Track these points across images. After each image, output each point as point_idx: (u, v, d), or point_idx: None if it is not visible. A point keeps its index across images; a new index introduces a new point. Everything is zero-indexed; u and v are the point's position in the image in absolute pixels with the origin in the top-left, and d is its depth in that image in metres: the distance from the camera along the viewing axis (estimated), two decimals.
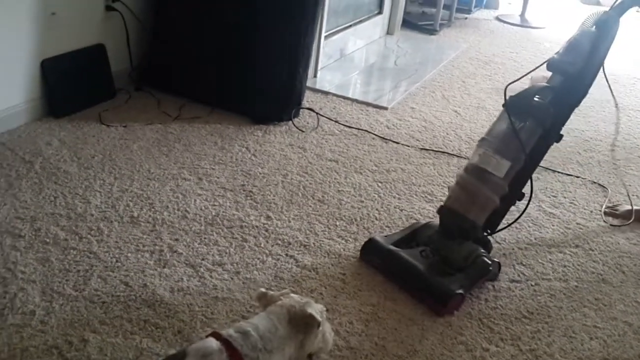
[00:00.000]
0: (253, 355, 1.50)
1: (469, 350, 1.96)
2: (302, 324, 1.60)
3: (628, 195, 2.99)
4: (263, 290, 1.72)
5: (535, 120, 2.19)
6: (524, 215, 2.58)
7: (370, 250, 2.33)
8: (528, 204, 2.40)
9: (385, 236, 2.41)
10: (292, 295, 1.69)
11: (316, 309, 1.64)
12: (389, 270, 2.26)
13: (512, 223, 2.47)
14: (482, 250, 2.23)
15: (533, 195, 2.48)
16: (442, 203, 2.32)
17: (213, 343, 1.50)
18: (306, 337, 1.62)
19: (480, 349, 1.97)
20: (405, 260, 2.23)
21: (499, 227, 2.44)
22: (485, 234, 2.35)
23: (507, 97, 2.22)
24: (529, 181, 2.31)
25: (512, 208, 2.42)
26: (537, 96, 2.22)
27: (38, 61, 3.10)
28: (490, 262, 2.21)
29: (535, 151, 2.26)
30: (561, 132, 2.29)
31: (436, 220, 2.37)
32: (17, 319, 1.90)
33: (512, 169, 2.20)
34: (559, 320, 2.13)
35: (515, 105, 2.20)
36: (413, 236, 2.40)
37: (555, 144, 2.33)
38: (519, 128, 2.17)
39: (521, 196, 2.32)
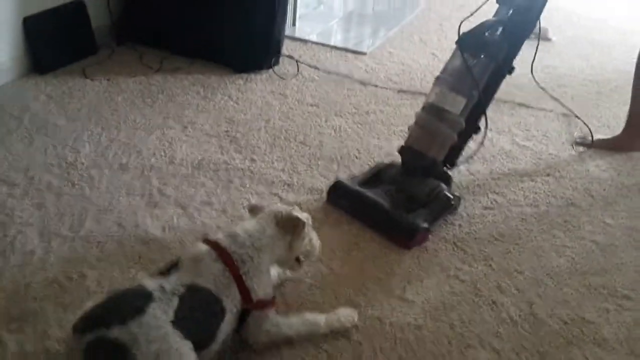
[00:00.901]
0: (242, 252, 1.63)
1: (443, 270, 2.10)
2: (289, 225, 1.73)
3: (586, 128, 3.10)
4: (253, 202, 1.84)
5: (488, 56, 2.26)
6: (497, 148, 2.72)
7: (337, 193, 2.40)
8: (484, 136, 2.49)
9: (351, 178, 2.50)
10: (279, 204, 1.81)
11: (302, 215, 1.77)
12: (355, 211, 2.34)
13: (470, 157, 2.56)
14: (444, 185, 2.34)
15: (491, 128, 2.59)
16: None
17: (203, 247, 1.63)
18: (294, 239, 1.75)
19: (454, 269, 2.10)
20: (371, 199, 2.31)
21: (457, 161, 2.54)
22: (445, 169, 2.46)
23: (460, 34, 2.28)
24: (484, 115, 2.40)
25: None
26: (488, 31, 2.28)
27: (20, 19, 3.15)
28: (451, 196, 2.32)
29: (489, 85, 2.34)
30: (513, 65, 2.34)
31: (398, 160, 2.45)
32: (18, 258, 2.01)
33: (467, 105, 2.28)
34: (529, 242, 2.26)
35: (468, 42, 2.26)
36: (377, 176, 2.49)
37: (509, 75, 2.39)
38: (472, 64, 2.25)
39: (477, 129, 2.42)
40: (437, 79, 2.34)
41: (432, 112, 2.30)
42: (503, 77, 2.36)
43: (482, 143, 2.56)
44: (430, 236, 2.24)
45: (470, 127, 2.38)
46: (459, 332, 1.84)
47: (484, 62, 2.27)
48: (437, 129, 2.29)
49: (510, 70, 2.34)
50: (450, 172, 2.45)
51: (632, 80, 2.75)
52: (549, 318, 1.90)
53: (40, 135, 2.71)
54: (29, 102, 2.98)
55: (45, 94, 3.07)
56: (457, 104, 2.27)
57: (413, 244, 2.19)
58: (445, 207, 2.31)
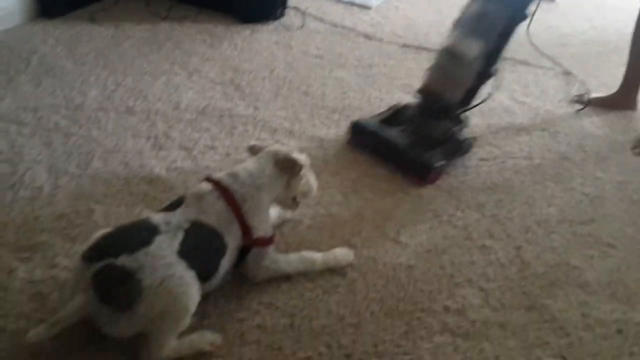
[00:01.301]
0: (243, 191, 1.71)
1: (437, 216, 2.18)
2: (287, 166, 1.80)
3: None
4: (253, 142, 1.91)
5: (504, 2, 2.32)
6: (496, 103, 2.77)
7: (356, 132, 2.52)
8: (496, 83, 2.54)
9: (369, 118, 2.60)
10: (279, 145, 1.88)
11: (300, 156, 1.85)
12: (373, 149, 2.46)
13: (482, 102, 2.62)
14: (458, 127, 2.43)
15: (504, 82, 2.64)
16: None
17: (206, 186, 1.71)
18: (291, 179, 1.82)
19: (447, 215, 2.18)
20: (388, 138, 2.43)
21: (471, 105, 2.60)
22: (460, 111, 2.53)
23: None
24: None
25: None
26: None
27: None
28: (466, 137, 2.43)
29: (505, 31, 2.39)
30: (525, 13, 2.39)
31: (415, 101, 2.54)
32: (27, 192, 2.10)
33: (483, 49, 2.34)
34: (521, 191, 2.34)
35: None
36: (395, 117, 2.59)
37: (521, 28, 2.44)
38: (489, 10, 2.31)
39: (492, 74, 2.48)
40: (455, 23, 2.40)
41: (450, 56, 2.38)
42: (517, 24, 2.40)
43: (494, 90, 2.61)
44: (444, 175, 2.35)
45: (486, 71, 2.44)
46: (449, 272, 1.93)
47: (500, 8, 2.32)
48: (454, 72, 2.38)
49: (524, 17, 2.37)
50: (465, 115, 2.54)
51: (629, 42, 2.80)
52: (535, 262, 1.99)
53: (48, 78, 2.77)
54: (37, 45, 3.03)
55: (53, 37, 3.12)
56: (473, 48, 2.33)
57: (428, 182, 2.31)
58: (459, 148, 2.44)
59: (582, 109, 2.92)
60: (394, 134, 2.45)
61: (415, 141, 2.41)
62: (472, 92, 2.49)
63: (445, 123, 2.42)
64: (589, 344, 1.72)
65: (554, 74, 3.26)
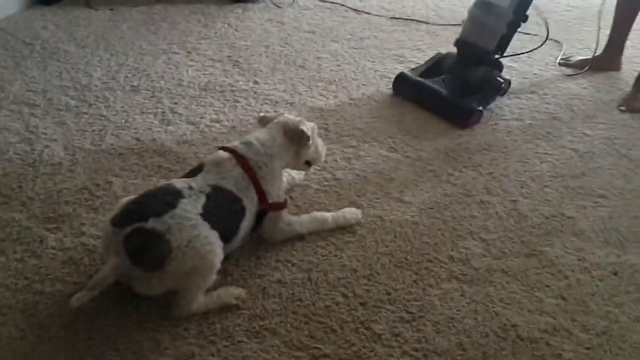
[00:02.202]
0: (257, 159, 1.81)
1: (436, 176, 2.30)
2: (295, 137, 1.90)
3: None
4: (262, 114, 2.01)
5: None
6: None
7: (401, 83, 2.71)
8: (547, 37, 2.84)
9: (412, 69, 2.80)
10: (287, 115, 1.98)
11: (308, 126, 1.94)
12: (418, 97, 2.66)
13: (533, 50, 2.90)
14: (496, 71, 2.62)
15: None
16: (448, 45, 2.71)
17: (223, 154, 1.81)
18: (300, 148, 1.93)
19: (446, 174, 2.30)
20: (431, 87, 2.63)
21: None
22: (496, 57, 2.70)
23: None
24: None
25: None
26: None
27: None
28: (502, 80, 2.61)
29: None
30: None
31: (454, 51, 2.72)
32: (47, 169, 2.19)
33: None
34: (514, 150, 2.46)
35: None
36: (436, 66, 2.77)
37: None
38: None
39: (525, 18, 2.63)
40: None
41: (482, 6, 2.57)
42: None
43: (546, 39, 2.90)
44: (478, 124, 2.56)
45: (518, 17, 2.60)
46: (451, 226, 2.05)
47: None
48: (487, 22, 2.56)
49: None
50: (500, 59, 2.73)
51: (614, 6, 2.92)
52: (532, 213, 2.12)
53: (53, 61, 2.86)
54: (38, 30, 3.11)
55: (53, 22, 3.20)
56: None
57: (470, 124, 2.53)
58: (497, 90, 2.63)
59: (575, 74, 3.04)
60: (436, 83, 2.63)
61: (456, 88, 2.59)
62: (505, 40, 2.67)
63: (482, 68, 2.60)
64: (586, 285, 1.85)
65: (540, 39, 3.36)
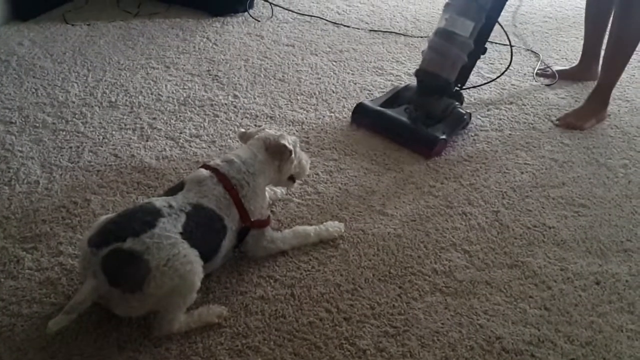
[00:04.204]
0: (239, 177, 1.79)
1: (418, 188, 2.29)
2: (277, 152, 1.89)
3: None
4: (242, 130, 1.99)
5: None
6: None
7: (361, 113, 2.65)
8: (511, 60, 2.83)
9: (372, 100, 2.74)
10: (267, 130, 1.97)
11: (289, 140, 1.93)
12: (379, 127, 2.60)
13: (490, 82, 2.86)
14: (457, 103, 2.59)
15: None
16: (417, 67, 2.63)
17: (204, 172, 1.79)
18: (282, 163, 1.91)
19: (428, 186, 2.30)
20: (393, 117, 2.58)
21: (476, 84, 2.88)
22: (457, 88, 2.68)
23: None
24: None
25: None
26: None
27: None
28: (464, 112, 2.58)
29: (494, 9, 2.54)
30: None
31: (414, 82, 2.69)
32: (24, 187, 2.16)
33: (475, 28, 2.49)
34: (495, 161, 2.47)
35: None
36: (396, 97, 2.73)
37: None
38: None
39: (484, 50, 2.62)
40: (446, 5, 2.54)
41: (443, 36, 2.51)
42: (504, 3, 2.57)
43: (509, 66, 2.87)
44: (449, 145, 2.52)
45: (479, 48, 2.59)
46: (434, 238, 2.04)
47: None
48: (449, 51, 2.51)
49: None
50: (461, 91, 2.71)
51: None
52: (513, 224, 2.12)
53: (30, 77, 2.82)
54: (14, 47, 3.08)
55: (28, 39, 3.17)
56: (465, 27, 2.48)
57: (434, 154, 2.46)
58: (459, 121, 2.58)
59: (552, 84, 3.06)
60: (398, 112, 2.60)
61: (418, 118, 2.56)
62: (467, 70, 2.66)
63: (444, 100, 2.58)
64: (569, 296, 1.85)
65: (516, 50, 3.40)
